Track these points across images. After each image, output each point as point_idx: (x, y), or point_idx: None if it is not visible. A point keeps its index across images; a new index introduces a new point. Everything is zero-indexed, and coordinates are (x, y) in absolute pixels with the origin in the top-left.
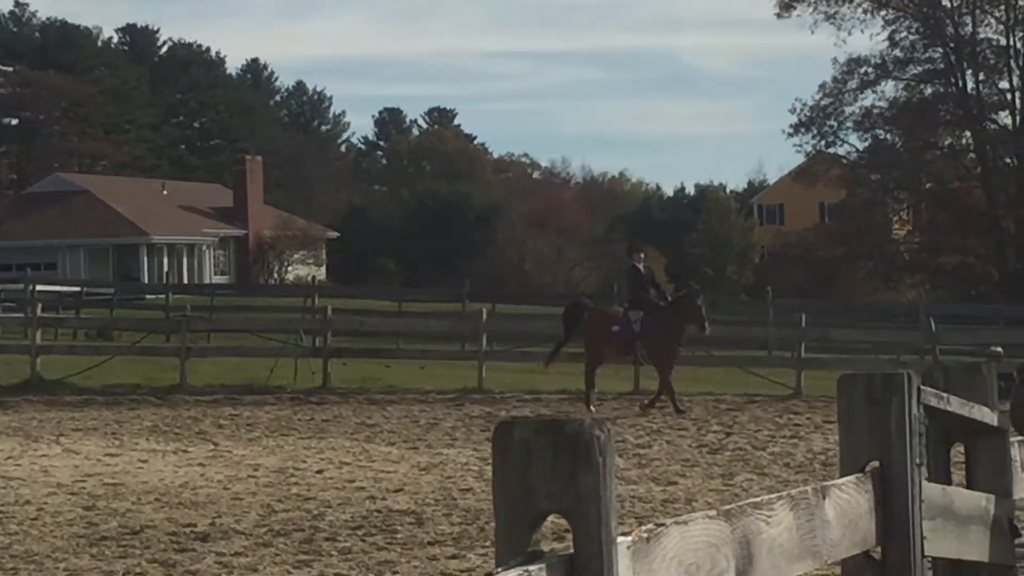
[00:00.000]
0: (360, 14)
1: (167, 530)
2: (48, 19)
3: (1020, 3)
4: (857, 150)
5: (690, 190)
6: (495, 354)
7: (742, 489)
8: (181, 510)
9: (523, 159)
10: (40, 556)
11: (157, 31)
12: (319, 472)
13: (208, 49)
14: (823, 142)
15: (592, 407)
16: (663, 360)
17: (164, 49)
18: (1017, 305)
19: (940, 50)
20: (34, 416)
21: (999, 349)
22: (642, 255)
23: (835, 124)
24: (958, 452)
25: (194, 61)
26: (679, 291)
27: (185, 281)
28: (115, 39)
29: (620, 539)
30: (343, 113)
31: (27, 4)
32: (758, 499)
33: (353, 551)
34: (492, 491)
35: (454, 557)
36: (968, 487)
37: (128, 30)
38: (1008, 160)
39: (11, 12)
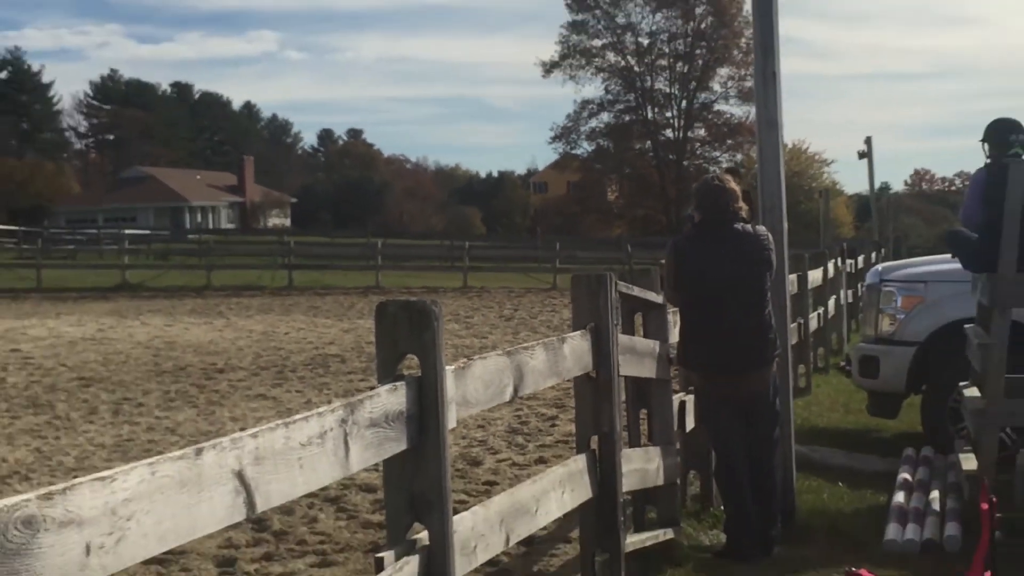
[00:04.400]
0: None
1: (200, 367)
2: (129, 79)
3: (678, 70)
4: (588, 151)
5: (495, 175)
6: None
7: (523, 340)
8: (208, 356)
9: None
10: (128, 382)
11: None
12: (286, 334)
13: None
14: (569, 147)
15: None
16: None
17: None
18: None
19: (633, 95)
20: (123, 304)
21: None
22: None
23: (576, 137)
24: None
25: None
26: None
27: (211, 227)
28: (168, 91)
29: (447, 367)
30: None
31: (117, 70)
32: (527, 344)
33: (305, 378)
34: (375, 341)
35: (363, 380)
36: (644, 337)
37: (175, 85)
38: (671, 156)
39: (102, 76)
